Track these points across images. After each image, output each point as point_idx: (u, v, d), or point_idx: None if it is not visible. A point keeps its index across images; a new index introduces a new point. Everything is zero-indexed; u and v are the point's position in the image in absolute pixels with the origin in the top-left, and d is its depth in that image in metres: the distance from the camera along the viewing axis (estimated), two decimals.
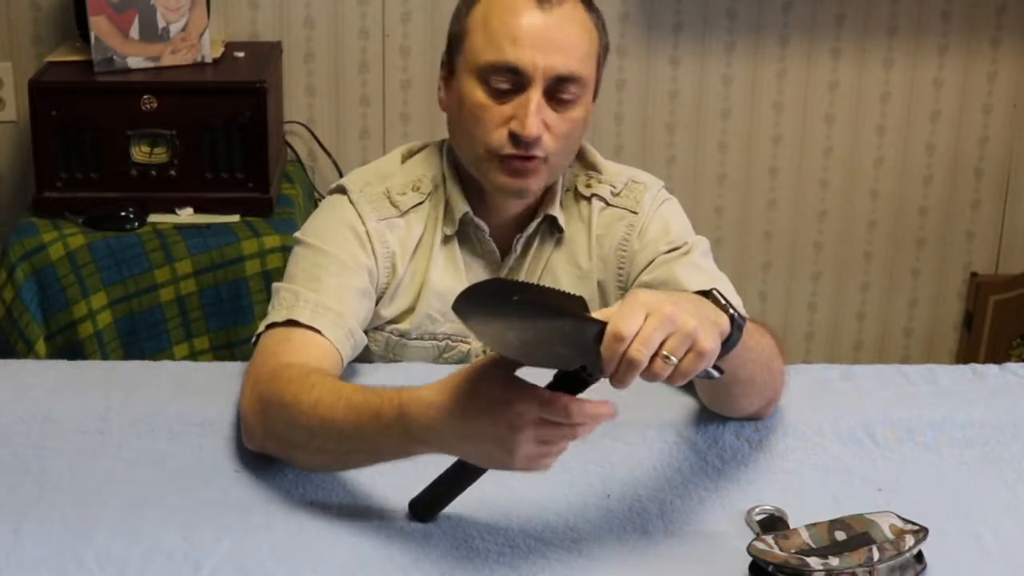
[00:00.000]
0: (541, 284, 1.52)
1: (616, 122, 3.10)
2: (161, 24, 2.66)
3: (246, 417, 1.55)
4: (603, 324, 1.24)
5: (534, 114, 1.67)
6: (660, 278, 1.76)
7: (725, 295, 1.37)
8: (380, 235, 1.77)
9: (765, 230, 3.22)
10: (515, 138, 1.68)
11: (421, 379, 1.71)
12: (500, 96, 1.69)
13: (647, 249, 1.80)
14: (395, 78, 3.03)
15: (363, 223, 1.76)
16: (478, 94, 1.70)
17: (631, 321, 1.24)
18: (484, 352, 1.83)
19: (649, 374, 1.26)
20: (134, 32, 2.64)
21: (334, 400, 1.44)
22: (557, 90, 1.69)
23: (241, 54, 2.81)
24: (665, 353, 1.25)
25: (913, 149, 3.19)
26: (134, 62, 2.65)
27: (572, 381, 1.30)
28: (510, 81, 1.68)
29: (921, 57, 3.11)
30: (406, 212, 1.79)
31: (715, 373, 1.32)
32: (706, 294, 1.38)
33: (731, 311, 1.35)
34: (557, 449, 1.32)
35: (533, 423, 1.29)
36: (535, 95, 1.67)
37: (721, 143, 3.15)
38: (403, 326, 1.81)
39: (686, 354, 1.27)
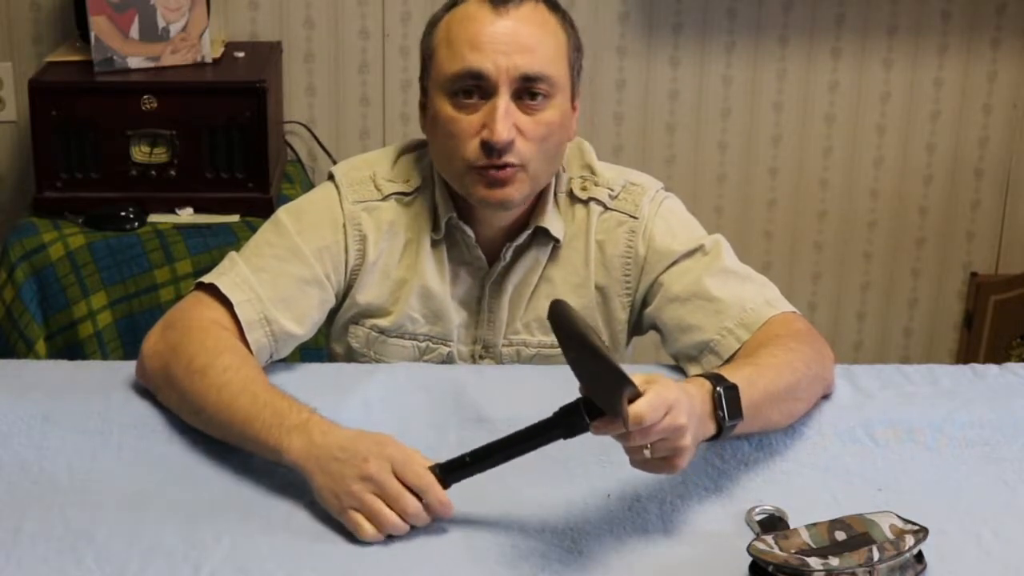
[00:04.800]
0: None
1: (616, 122, 3.10)
2: (161, 24, 2.66)
3: (148, 356, 1.65)
4: (637, 393, 1.34)
5: (502, 119, 1.65)
6: (690, 289, 1.75)
7: (731, 400, 1.47)
8: (354, 218, 1.78)
9: (765, 230, 3.22)
10: (487, 147, 1.67)
11: (422, 379, 1.73)
12: (468, 107, 1.68)
13: (659, 254, 1.79)
14: (395, 78, 3.03)
15: (340, 205, 1.78)
16: (447, 109, 1.70)
17: (655, 414, 1.33)
18: (473, 357, 1.84)
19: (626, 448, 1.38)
20: (134, 32, 2.64)
21: (240, 390, 1.54)
22: (525, 91, 1.68)
23: (241, 54, 2.81)
24: (647, 452, 1.36)
25: (913, 149, 3.19)
26: (134, 62, 2.65)
27: (572, 423, 1.38)
28: (476, 89, 1.67)
29: (921, 57, 3.11)
30: (388, 196, 1.79)
31: None
32: (716, 380, 1.48)
33: (723, 422, 1.46)
34: (382, 520, 1.40)
35: (375, 480, 1.40)
36: (502, 100, 1.66)
37: (721, 143, 3.15)
38: (382, 323, 1.82)
39: (660, 459, 1.38)
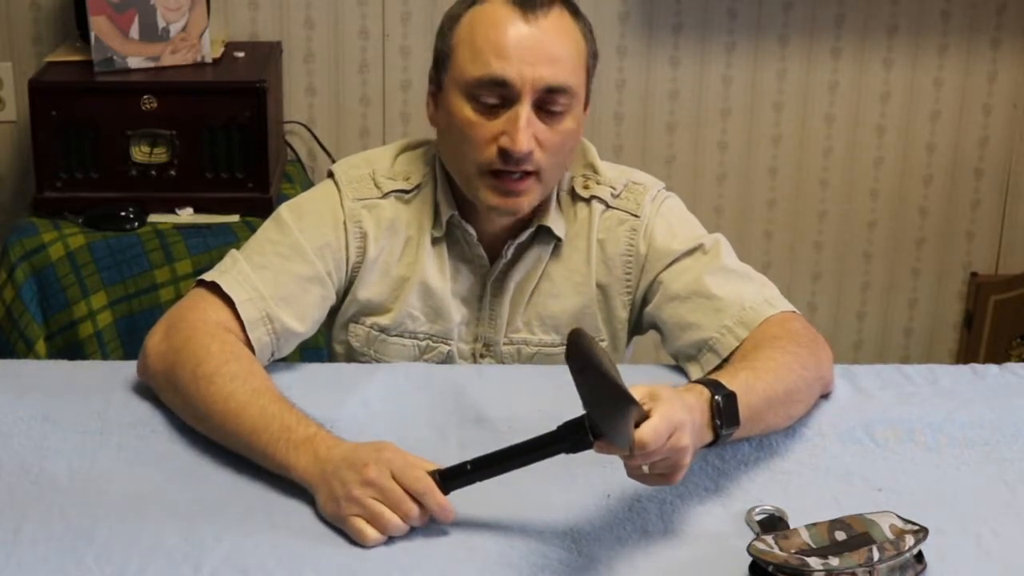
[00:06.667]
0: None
1: (616, 122, 3.10)
2: (161, 24, 2.66)
3: (151, 356, 1.64)
4: (644, 416, 1.33)
5: (524, 129, 1.65)
6: (689, 288, 1.75)
7: (728, 408, 1.46)
8: (354, 215, 1.78)
9: (765, 230, 3.22)
10: (505, 154, 1.66)
11: (422, 379, 1.73)
12: (489, 112, 1.68)
13: (659, 252, 1.79)
14: (395, 78, 3.03)
15: (340, 203, 1.78)
16: (466, 111, 1.69)
17: (659, 440, 1.33)
18: (473, 356, 1.84)
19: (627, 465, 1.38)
20: (134, 32, 2.64)
21: (248, 401, 1.53)
22: (547, 102, 1.67)
23: (241, 54, 2.81)
24: (646, 468, 1.36)
25: (913, 149, 3.19)
26: (134, 62, 2.65)
27: (576, 439, 1.36)
28: (498, 95, 1.67)
29: (921, 57, 3.11)
30: (387, 194, 1.79)
31: None
32: (715, 388, 1.47)
33: (720, 431, 1.46)
34: (384, 523, 1.39)
35: (376, 485, 1.39)
36: (524, 109, 1.66)
37: (721, 143, 3.15)
38: (383, 321, 1.82)
39: (658, 474, 1.38)
